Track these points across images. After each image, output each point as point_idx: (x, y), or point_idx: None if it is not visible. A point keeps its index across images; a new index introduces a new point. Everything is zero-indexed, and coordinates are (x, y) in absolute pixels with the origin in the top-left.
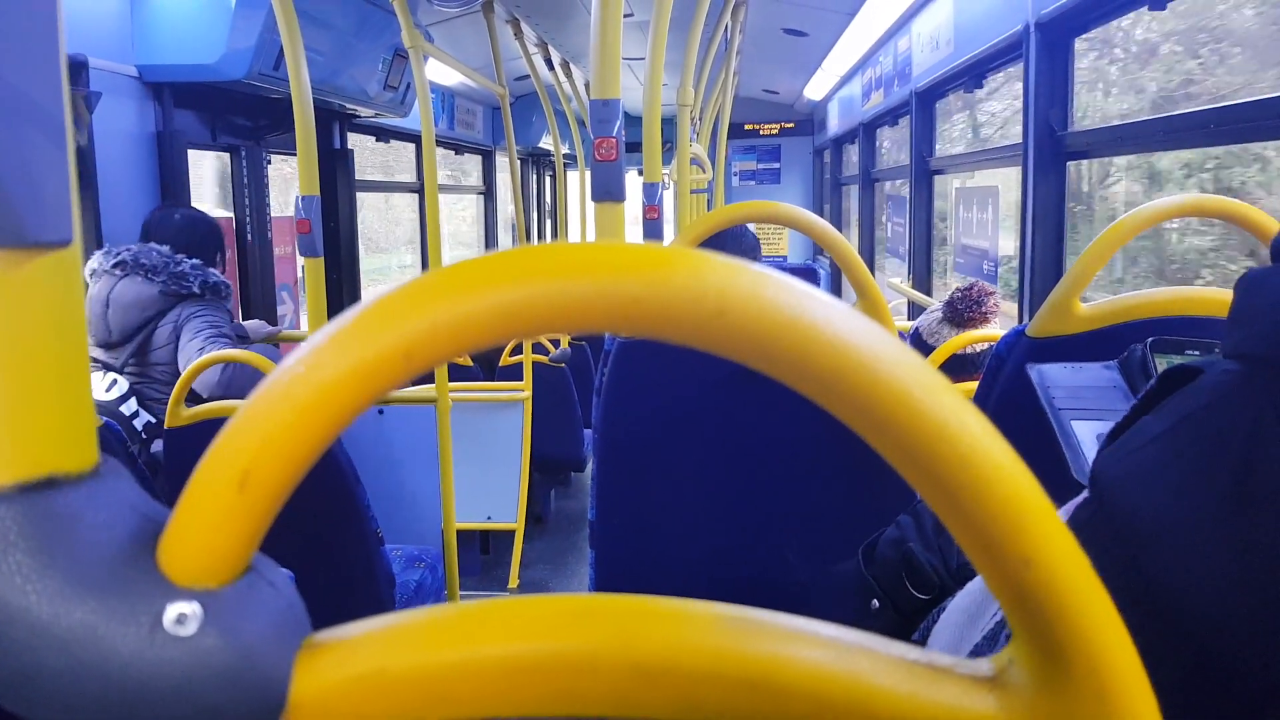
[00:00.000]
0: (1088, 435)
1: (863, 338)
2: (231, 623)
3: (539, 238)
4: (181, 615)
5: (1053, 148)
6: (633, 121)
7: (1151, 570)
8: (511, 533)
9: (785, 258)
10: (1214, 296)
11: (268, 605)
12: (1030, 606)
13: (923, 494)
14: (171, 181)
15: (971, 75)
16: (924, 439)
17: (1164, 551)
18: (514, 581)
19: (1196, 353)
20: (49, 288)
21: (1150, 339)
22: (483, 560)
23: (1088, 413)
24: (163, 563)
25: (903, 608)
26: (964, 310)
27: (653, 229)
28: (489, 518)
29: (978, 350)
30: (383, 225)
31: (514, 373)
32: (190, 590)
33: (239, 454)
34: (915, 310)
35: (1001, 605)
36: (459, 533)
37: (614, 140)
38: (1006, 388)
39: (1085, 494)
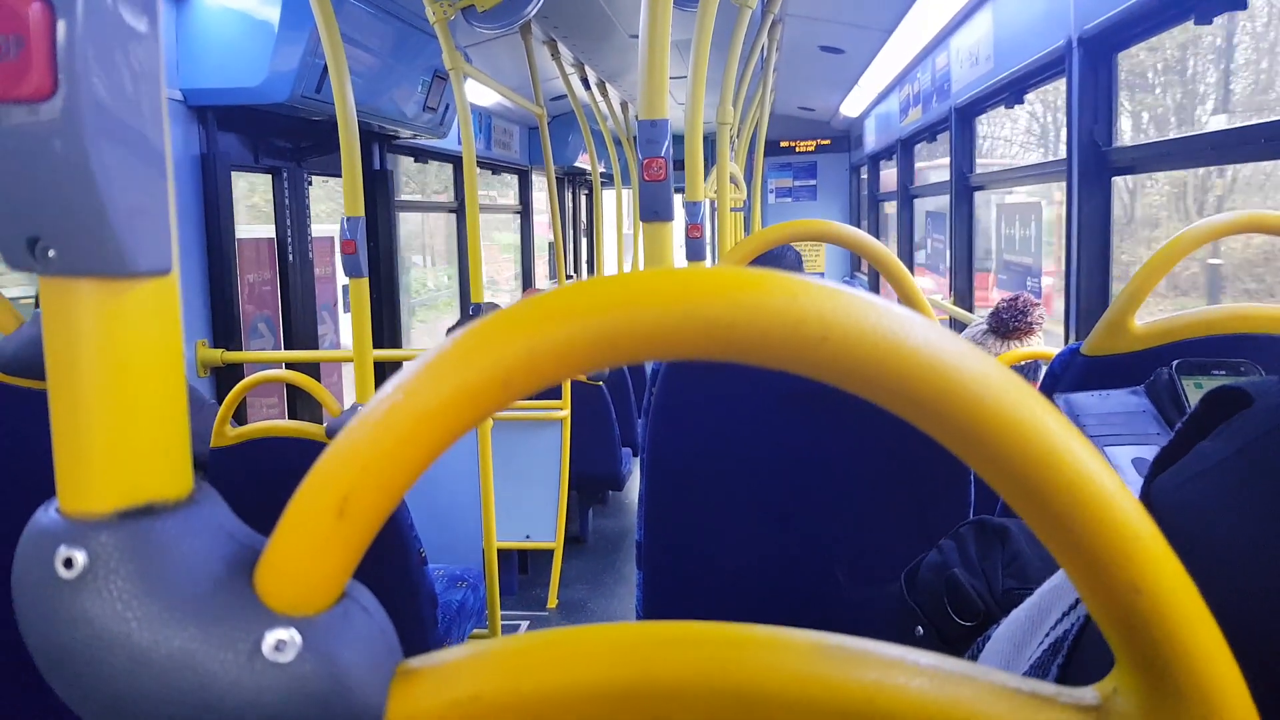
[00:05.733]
0: (1124, 460)
1: (969, 365)
2: (328, 649)
3: (575, 257)
4: (280, 642)
5: (1097, 163)
6: (674, 140)
7: (1218, 599)
8: (549, 552)
9: (823, 274)
10: (1271, 313)
11: (362, 631)
12: (1138, 633)
13: (1027, 519)
14: (215, 204)
15: (1013, 91)
16: (1031, 465)
17: (1232, 578)
18: (553, 602)
19: (1222, 372)
20: (149, 315)
21: (1175, 362)
22: (520, 580)
23: (1121, 438)
24: (260, 589)
25: (948, 635)
26: (1009, 321)
27: (695, 248)
28: (527, 537)
29: (1023, 362)
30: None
31: (551, 390)
32: (288, 617)
33: (339, 481)
34: (957, 327)
35: (1105, 632)
36: (497, 551)
37: (662, 160)
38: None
39: None
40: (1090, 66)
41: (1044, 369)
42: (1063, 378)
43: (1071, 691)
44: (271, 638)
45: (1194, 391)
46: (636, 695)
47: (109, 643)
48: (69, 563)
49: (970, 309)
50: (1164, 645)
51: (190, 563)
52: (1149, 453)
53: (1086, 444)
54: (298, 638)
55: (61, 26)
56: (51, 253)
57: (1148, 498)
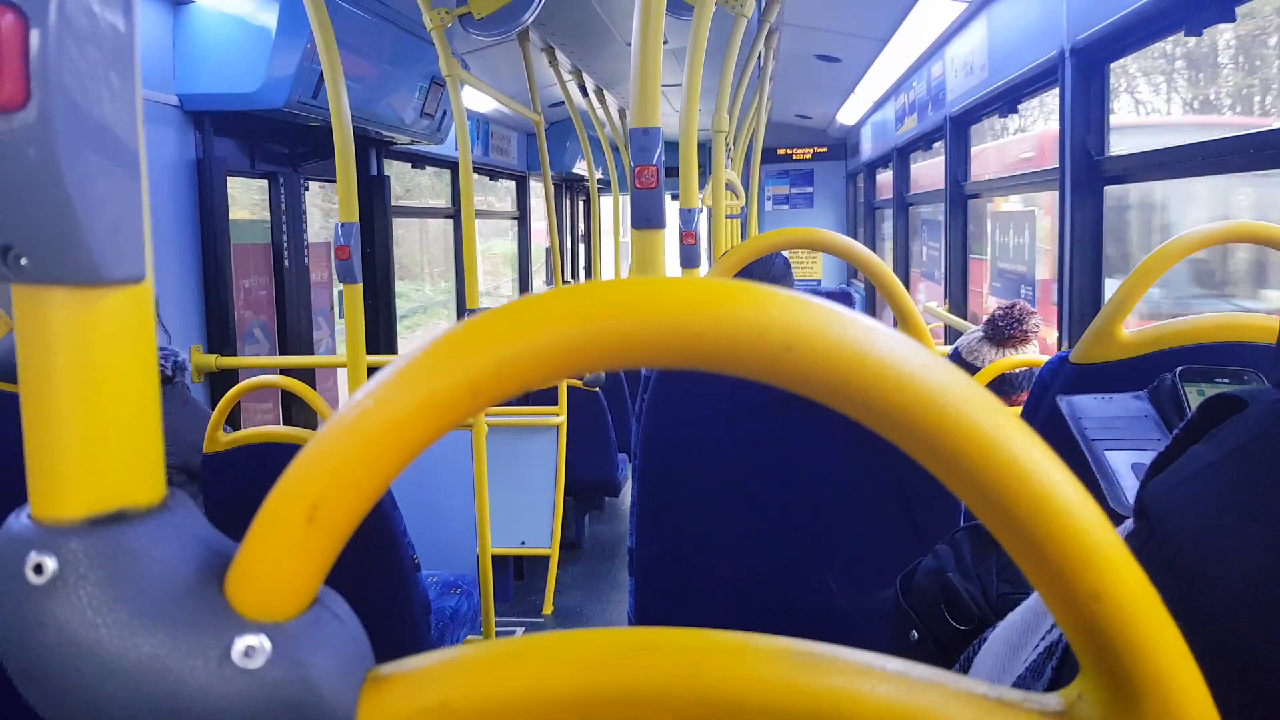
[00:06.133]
0: (1122, 465)
1: (930, 374)
2: (298, 656)
3: (573, 262)
4: (249, 648)
5: (1090, 172)
6: (668, 148)
7: (1206, 601)
8: (545, 558)
9: (819, 281)
10: (1260, 322)
11: (333, 638)
12: (1100, 640)
13: (990, 527)
14: (211, 209)
15: (1006, 100)
16: (992, 474)
17: (1220, 582)
18: (548, 608)
19: (1226, 380)
20: (122, 324)
21: (1179, 368)
22: (516, 586)
23: (1121, 442)
24: (230, 595)
25: (942, 639)
26: (1005, 328)
27: (689, 254)
28: (523, 543)
29: (1018, 370)
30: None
31: (548, 395)
32: (258, 623)
33: (308, 487)
34: (952, 334)
35: (1069, 639)
36: (492, 558)
37: (654, 168)
38: (1051, 414)
39: (1129, 523)
40: (1082, 77)
41: None
42: (1052, 385)
43: (1037, 697)
44: (241, 644)
45: (1196, 399)
46: (604, 701)
47: (79, 649)
48: (39, 569)
49: (965, 316)
50: (1124, 651)
51: (161, 569)
52: (1149, 458)
53: (1049, 454)
54: (267, 644)
55: (35, 36)
56: (24, 261)
57: (1141, 501)
